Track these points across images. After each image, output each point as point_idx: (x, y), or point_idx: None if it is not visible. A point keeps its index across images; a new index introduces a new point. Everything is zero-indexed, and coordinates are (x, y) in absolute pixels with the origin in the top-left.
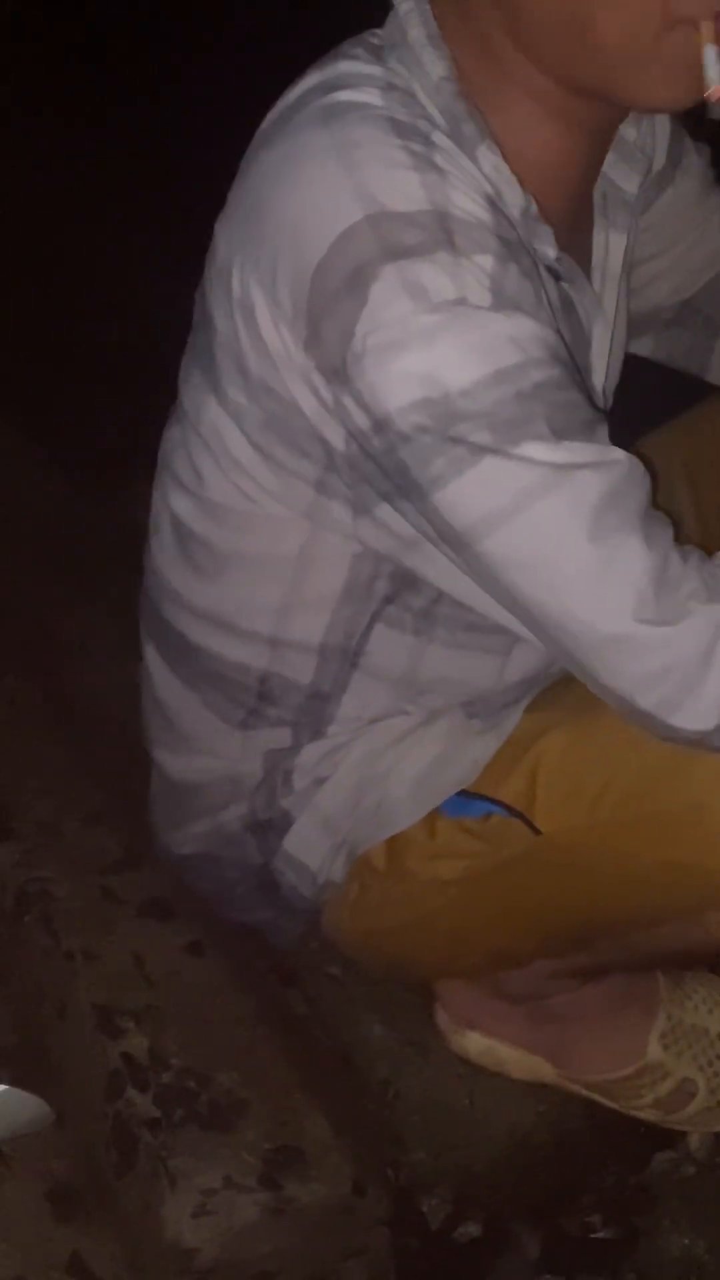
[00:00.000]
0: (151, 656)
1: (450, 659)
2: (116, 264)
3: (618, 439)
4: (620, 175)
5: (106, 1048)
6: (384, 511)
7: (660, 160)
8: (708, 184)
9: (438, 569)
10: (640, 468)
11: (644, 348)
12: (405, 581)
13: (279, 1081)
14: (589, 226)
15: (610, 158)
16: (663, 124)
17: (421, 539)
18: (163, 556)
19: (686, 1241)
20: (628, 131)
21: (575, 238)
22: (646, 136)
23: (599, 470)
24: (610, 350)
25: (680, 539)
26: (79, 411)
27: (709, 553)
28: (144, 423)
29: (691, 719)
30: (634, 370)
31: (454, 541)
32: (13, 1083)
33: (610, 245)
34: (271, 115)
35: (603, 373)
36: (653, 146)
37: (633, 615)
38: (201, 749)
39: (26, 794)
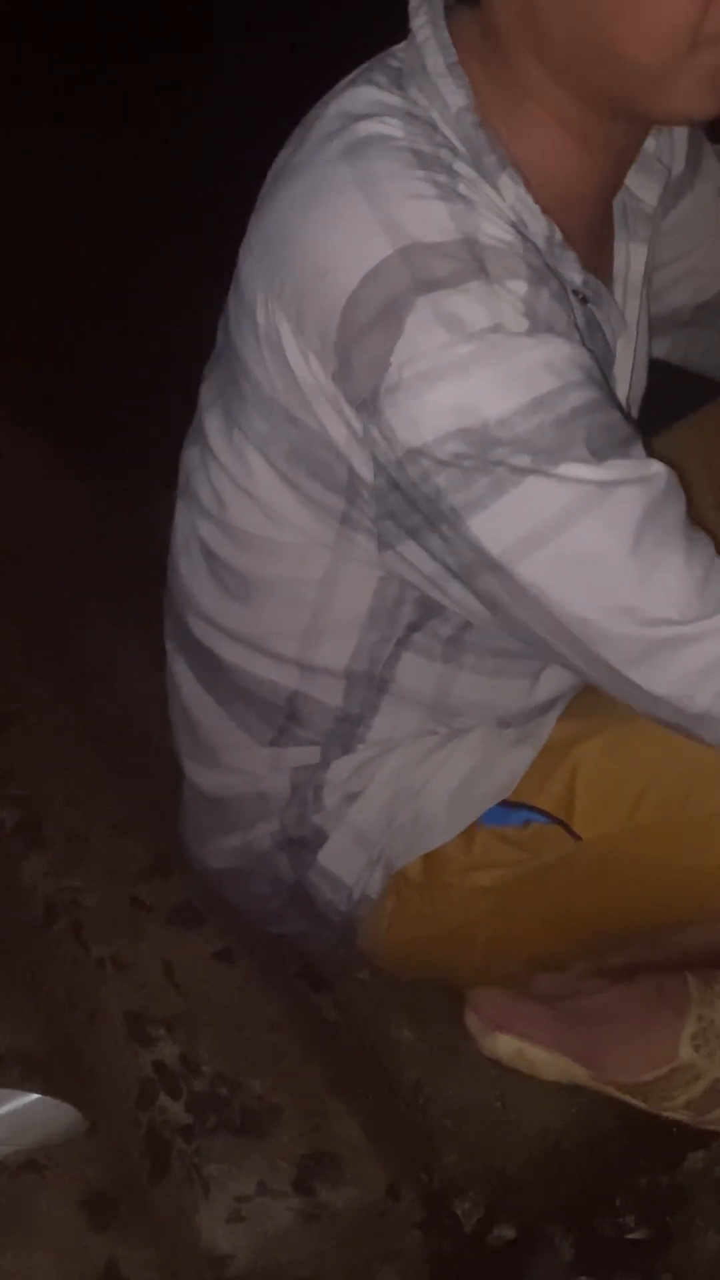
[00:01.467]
0: (181, 671)
1: (480, 684)
2: (133, 273)
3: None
4: (640, 186)
5: (138, 1055)
6: (408, 549)
7: (679, 166)
8: None
9: (461, 602)
10: (676, 481)
11: (660, 349)
12: (432, 608)
13: (311, 1086)
14: (610, 239)
15: (630, 169)
16: (680, 130)
17: (447, 575)
18: (192, 577)
19: None
20: (647, 142)
21: (597, 253)
22: (665, 145)
23: (639, 486)
24: (634, 361)
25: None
26: (99, 423)
27: None
28: (164, 433)
29: None
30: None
31: (487, 568)
32: (45, 1091)
33: (631, 257)
34: (292, 144)
35: (626, 385)
36: (671, 154)
37: (678, 616)
38: (229, 765)
39: (55, 803)
